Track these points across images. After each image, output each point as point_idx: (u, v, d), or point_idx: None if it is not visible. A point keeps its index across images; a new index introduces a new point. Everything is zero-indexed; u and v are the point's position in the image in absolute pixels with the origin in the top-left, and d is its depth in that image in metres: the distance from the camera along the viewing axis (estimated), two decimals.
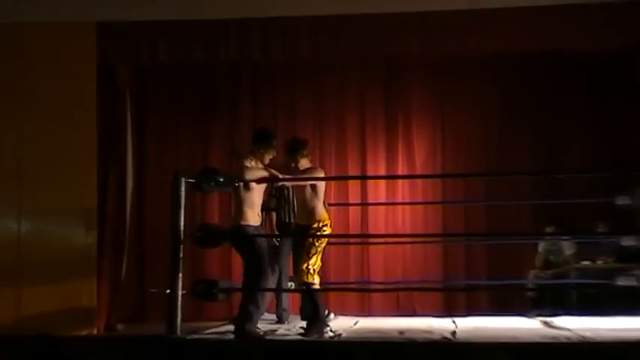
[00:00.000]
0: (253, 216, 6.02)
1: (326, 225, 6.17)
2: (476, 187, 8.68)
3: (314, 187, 6.16)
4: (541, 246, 8.28)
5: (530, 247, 8.35)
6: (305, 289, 6.12)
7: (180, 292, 5.45)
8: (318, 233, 6.05)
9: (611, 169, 7.64)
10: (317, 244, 6.06)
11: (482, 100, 8.97)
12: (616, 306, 7.24)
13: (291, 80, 9.20)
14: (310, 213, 6.14)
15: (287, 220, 7.15)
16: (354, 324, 6.35)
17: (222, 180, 5.76)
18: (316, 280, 6.08)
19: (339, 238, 7.85)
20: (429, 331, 5.71)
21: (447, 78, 9.05)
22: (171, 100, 9.19)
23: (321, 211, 6.18)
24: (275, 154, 6.32)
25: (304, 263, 6.02)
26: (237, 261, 8.73)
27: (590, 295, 7.31)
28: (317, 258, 6.06)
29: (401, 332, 5.69)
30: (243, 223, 5.98)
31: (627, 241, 7.32)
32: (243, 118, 9.10)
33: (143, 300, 8.63)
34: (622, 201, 7.16)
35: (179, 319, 5.41)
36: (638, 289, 7.33)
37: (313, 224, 6.12)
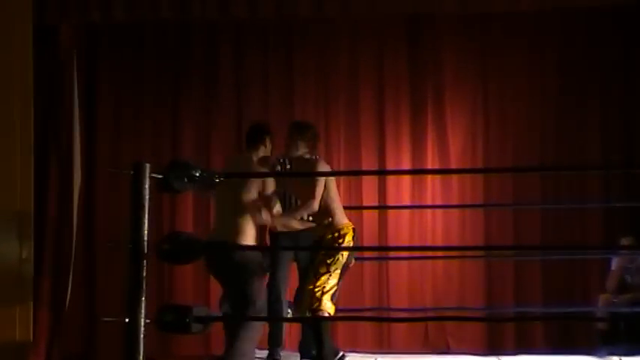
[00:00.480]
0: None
1: (344, 235, 6.21)
2: (528, 186, 8.68)
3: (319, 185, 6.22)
4: (615, 263, 8.24)
5: (600, 265, 8.34)
6: (308, 318, 6.12)
7: (142, 322, 5.40)
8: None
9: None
10: (329, 260, 6.06)
11: (537, 73, 8.95)
12: None
13: (286, 47, 9.19)
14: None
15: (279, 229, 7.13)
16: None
17: (197, 176, 5.69)
18: (328, 306, 6.13)
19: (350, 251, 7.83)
20: None
21: (491, 44, 9.02)
22: (131, 72, 9.18)
23: (339, 217, 6.28)
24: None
25: (310, 284, 5.99)
26: (217, 282, 8.76)
27: None
28: (328, 278, 6.11)
29: None
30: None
31: None
32: (224, 96, 9.09)
33: (93, 331, 8.64)
34: None
35: (141, 357, 5.35)
36: None
37: (327, 234, 6.14)
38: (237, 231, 6.15)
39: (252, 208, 6.18)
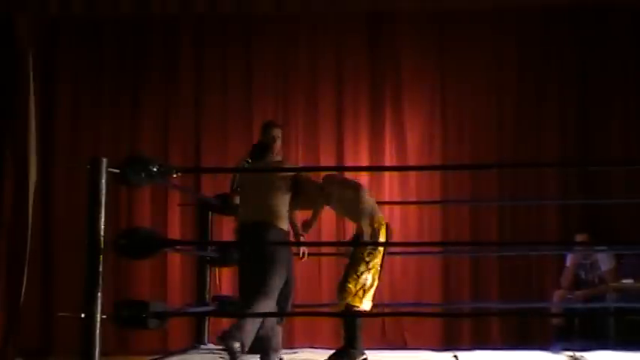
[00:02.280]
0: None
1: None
2: (486, 183, 8.72)
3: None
4: (569, 260, 8.31)
5: (555, 261, 8.40)
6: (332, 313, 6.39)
7: (98, 317, 5.37)
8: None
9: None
10: (367, 257, 6.18)
11: (494, 71, 9.01)
12: None
13: (246, 42, 9.17)
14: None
15: None
16: None
17: (155, 170, 5.66)
18: (366, 306, 6.22)
19: (307, 247, 7.83)
20: None
21: (449, 42, 9.06)
22: (89, 65, 9.12)
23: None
24: None
25: (352, 282, 6.18)
26: (174, 277, 8.74)
27: (632, 323, 7.34)
28: (367, 275, 6.21)
29: None
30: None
31: None
32: (184, 90, 9.07)
33: (49, 328, 8.59)
34: None
35: (97, 353, 5.32)
36: None
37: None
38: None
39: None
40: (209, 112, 9.11)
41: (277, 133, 6.58)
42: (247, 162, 6.96)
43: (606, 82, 8.85)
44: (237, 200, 6.73)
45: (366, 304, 6.24)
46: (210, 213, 7.57)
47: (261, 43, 9.14)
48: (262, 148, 6.50)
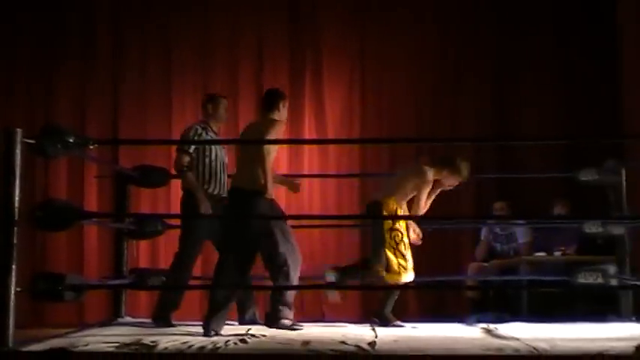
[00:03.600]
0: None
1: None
2: (404, 156, 8.79)
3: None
4: (484, 232, 8.46)
5: (470, 234, 8.52)
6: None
7: (12, 290, 5.32)
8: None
9: (575, 137, 7.85)
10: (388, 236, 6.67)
11: (413, 47, 9.10)
12: (576, 310, 7.46)
13: (166, 16, 9.10)
14: None
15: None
16: (247, 331, 6.33)
17: (72, 141, 5.61)
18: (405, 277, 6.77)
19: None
20: (342, 342, 5.75)
21: (370, 18, 9.11)
22: (4, 35, 9.03)
23: None
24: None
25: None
26: (91, 250, 8.68)
27: (545, 295, 7.49)
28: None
29: (306, 343, 5.71)
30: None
31: (591, 227, 7.51)
32: (101, 61, 8.99)
33: None
34: (586, 176, 7.35)
35: (11, 325, 5.28)
36: (604, 288, 7.56)
37: None
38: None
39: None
40: (127, 84, 9.05)
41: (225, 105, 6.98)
42: (203, 129, 6.93)
43: (521, 59, 9.01)
44: (186, 161, 6.74)
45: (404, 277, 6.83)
46: (128, 185, 7.51)
47: (180, 16, 9.09)
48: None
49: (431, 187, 6.79)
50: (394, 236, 6.77)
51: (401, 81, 9.05)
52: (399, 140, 8.96)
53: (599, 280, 7.46)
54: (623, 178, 7.65)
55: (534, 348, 5.37)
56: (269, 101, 6.71)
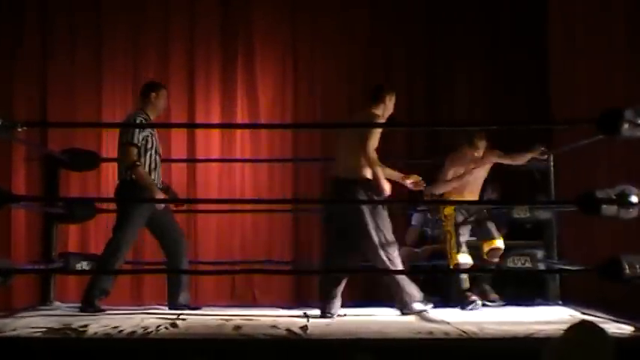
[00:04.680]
0: None
1: None
2: (336, 143, 8.80)
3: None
4: (416, 217, 8.51)
5: (402, 219, 8.58)
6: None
7: None
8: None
9: (503, 123, 7.93)
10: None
11: (346, 33, 9.11)
12: (506, 294, 7.56)
13: (96, 1, 9.01)
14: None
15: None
16: (177, 317, 6.31)
17: None
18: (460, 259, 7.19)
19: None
20: (273, 326, 5.76)
21: (301, 3, 9.11)
22: None
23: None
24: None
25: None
26: (19, 234, 8.57)
27: (474, 279, 7.56)
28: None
29: (237, 327, 5.70)
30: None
31: (520, 213, 7.61)
32: (30, 43, 8.89)
33: None
34: None
35: None
36: (533, 272, 7.67)
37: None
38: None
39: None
40: (56, 67, 8.92)
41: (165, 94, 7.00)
42: (144, 119, 6.85)
43: (452, 45, 9.07)
44: (136, 154, 6.66)
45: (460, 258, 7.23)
46: (57, 168, 7.42)
47: (111, 2, 9.00)
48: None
49: None
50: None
51: (333, 67, 9.05)
52: (331, 125, 8.97)
53: (527, 265, 7.59)
54: (551, 163, 7.77)
55: (463, 331, 5.44)
56: (376, 94, 6.80)
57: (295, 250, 8.84)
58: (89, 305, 6.61)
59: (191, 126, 9.15)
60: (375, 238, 6.55)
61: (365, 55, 9.07)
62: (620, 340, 4.87)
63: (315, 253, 8.77)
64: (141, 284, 8.60)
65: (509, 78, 8.94)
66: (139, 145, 6.71)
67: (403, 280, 6.63)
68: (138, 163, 6.68)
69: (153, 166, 6.82)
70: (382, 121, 6.72)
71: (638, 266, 5.25)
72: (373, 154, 6.53)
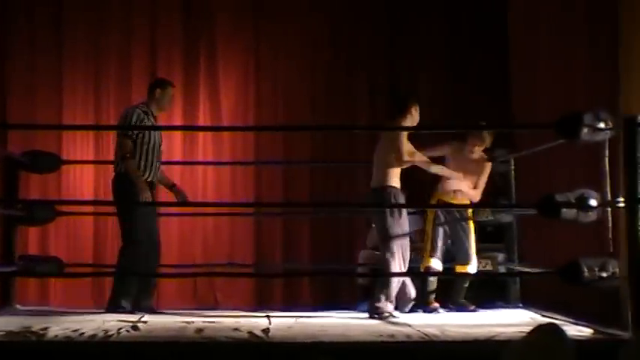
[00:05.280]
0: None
1: None
2: (298, 145, 8.84)
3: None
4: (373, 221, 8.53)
5: (363, 222, 8.60)
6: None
7: None
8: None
9: (466, 126, 7.97)
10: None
11: (307, 36, 9.10)
12: (467, 297, 7.60)
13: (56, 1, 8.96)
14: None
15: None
16: (139, 319, 6.29)
17: None
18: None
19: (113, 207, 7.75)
20: (235, 329, 5.76)
21: (263, 6, 9.11)
22: None
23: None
24: None
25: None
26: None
27: (450, 291, 7.60)
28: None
29: (199, 330, 5.70)
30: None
31: (482, 215, 7.66)
32: None
33: None
34: None
35: None
36: (494, 275, 7.73)
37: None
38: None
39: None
40: (16, 67, 8.84)
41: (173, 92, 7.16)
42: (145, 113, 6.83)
43: (414, 47, 9.09)
44: (131, 147, 6.66)
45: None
46: (17, 170, 7.36)
47: (72, 2, 8.95)
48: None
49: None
50: None
51: (295, 70, 9.04)
52: (293, 128, 8.99)
53: (488, 267, 7.65)
54: (512, 167, 7.83)
55: (425, 334, 5.47)
56: (401, 107, 6.88)
57: (257, 253, 8.82)
58: (117, 306, 6.66)
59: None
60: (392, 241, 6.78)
61: (327, 56, 9.07)
62: (580, 343, 4.92)
63: (277, 255, 8.78)
64: (102, 286, 8.53)
65: (471, 78, 8.96)
66: (134, 137, 6.72)
67: (393, 282, 6.71)
68: (128, 155, 6.68)
69: (144, 162, 6.80)
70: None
71: (596, 269, 5.31)
72: (410, 157, 6.87)
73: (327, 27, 9.12)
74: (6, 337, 5.14)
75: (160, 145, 7.01)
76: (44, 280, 7.40)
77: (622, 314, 5.35)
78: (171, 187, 7.23)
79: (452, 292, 7.51)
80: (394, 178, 6.92)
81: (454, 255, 7.50)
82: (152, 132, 6.86)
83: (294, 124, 8.84)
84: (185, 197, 7.36)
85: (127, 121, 6.94)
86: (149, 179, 6.84)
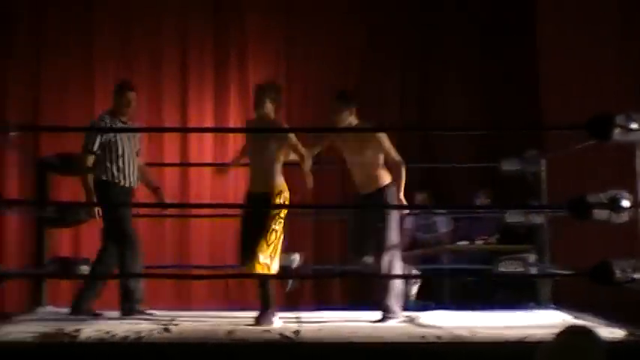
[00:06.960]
0: None
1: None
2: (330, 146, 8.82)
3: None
4: (408, 222, 8.52)
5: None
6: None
7: None
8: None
9: (496, 127, 7.95)
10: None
11: (339, 35, 9.13)
12: (498, 298, 7.57)
13: (87, 3, 9.01)
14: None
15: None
16: (171, 320, 6.31)
17: None
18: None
19: (151, 208, 7.79)
20: (266, 330, 5.77)
21: (294, 5, 9.12)
22: None
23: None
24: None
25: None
26: (11, 239, 8.55)
27: (466, 283, 7.59)
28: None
29: (230, 332, 5.71)
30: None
31: (513, 217, 7.63)
32: (23, 48, 8.94)
33: None
34: (509, 166, 7.47)
35: None
36: (525, 276, 7.69)
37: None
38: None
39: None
40: (49, 70, 8.91)
41: (133, 96, 6.75)
42: (112, 120, 6.82)
43: (446, 50, 9.09)
44: (90, 162, 6.64)
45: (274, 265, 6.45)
46: (49, 173, 7.41)
47: (103, 4, 9.00)
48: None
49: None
50: None
51: (326, 69, 9.06)
52: (323, 130, 8.97)
53: (520, 269, 7.61)
54: (543, 168, 7.80)
55: (456, 335, 5.46)
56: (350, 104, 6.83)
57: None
58: (79, 310, 6.64)
59: (184, 130, 9.15)
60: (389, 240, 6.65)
61: (358, 57, 9.08)
62: (611, 344, 4.89)
63: (308, 257, 8.77)
64: None
65: (501, 80, 8.95)
66: (97, 150, 6.68)
67: (395, 285, 6.65)
68: (86, 170, 6.65)
69: (117, 170, 6.78)
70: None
71: (628, 270, 5.27)
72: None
73: (361, 28, 9.14)
74: (39, 339, 5.17)
75: (134, 151, 6.92)
76: (75, 282, 7.43)
77: None
78: (155, 189, 7.16)
79: None
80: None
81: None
82: (120, 141, 6.79)
83: (324, 125, 8.83)
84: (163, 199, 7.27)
85: (86, 137, 6.86)
86: (127, 185, 6.82)
